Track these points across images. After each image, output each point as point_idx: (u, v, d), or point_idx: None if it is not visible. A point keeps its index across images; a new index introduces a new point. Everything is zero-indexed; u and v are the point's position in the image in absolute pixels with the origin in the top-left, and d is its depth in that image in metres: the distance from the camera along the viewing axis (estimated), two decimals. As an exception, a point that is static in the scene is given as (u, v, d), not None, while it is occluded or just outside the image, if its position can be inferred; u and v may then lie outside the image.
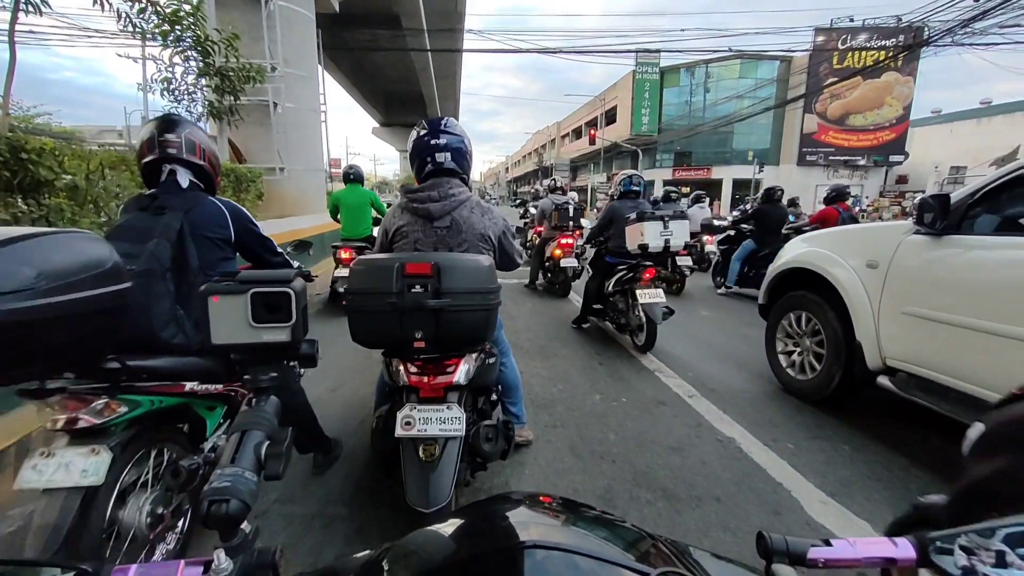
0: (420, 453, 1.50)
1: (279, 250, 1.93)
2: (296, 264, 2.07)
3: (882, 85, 24.76)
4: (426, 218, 1.76)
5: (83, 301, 0.98)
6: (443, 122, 1.81)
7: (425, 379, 1.56)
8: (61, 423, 1.18)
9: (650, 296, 3.64)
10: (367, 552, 0.61)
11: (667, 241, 3.60)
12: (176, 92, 6.35)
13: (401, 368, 1.59)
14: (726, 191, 28.76)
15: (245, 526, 0.42)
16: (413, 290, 1.42)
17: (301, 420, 1.99)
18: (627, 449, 2.41)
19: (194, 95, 6.48)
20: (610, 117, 34.90)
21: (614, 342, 4.29)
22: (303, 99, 8.70)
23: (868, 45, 23.79)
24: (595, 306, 4.42)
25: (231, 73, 6.31)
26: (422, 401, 1.55)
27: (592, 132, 28.41)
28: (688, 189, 14.48)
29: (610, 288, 4.14)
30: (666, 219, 3.61)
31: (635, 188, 4.28)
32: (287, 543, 1.69)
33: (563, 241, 5.84)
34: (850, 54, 24.04)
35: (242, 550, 0.40)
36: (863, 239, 2.77)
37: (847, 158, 26.05)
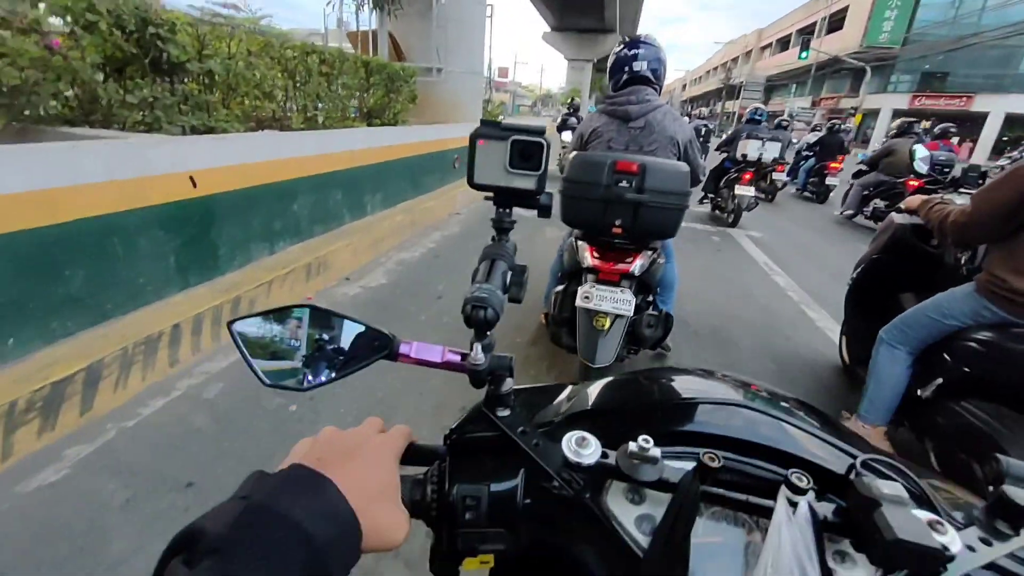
0: (594, 323, 1.82)
1: None
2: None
3: None
4: (623, 118, 1.98)
5: None
6: (641, 37, 2.02)
7: (606, 264, 1.85)
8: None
9: (742, 191, 5.47)
10: (572, 383, 0.66)
11: (760, 155, 5.79)
12: (343, -24, 6.03)
13: (587, 252, 1.89)
14: (990, 129, 21.34)
15: (491, 333, 0.46)
16: (620, 184, 1.71)
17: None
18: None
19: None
20: (834, 23, 27.76)
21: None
22: (469, -12, 7.77)
23: None
24: (710, 195, 6.29)
25: (394, -48, 5.72)
26: (600, 282, 1.85)
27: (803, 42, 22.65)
28: (929, 123, 10.44)
29: (722, 184, 5.97)
30: (764, 139, 5.78)
31: (757, 118, 6.18)
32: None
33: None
34: None
35: (490, 350, 0.46)
36: None
37: None
